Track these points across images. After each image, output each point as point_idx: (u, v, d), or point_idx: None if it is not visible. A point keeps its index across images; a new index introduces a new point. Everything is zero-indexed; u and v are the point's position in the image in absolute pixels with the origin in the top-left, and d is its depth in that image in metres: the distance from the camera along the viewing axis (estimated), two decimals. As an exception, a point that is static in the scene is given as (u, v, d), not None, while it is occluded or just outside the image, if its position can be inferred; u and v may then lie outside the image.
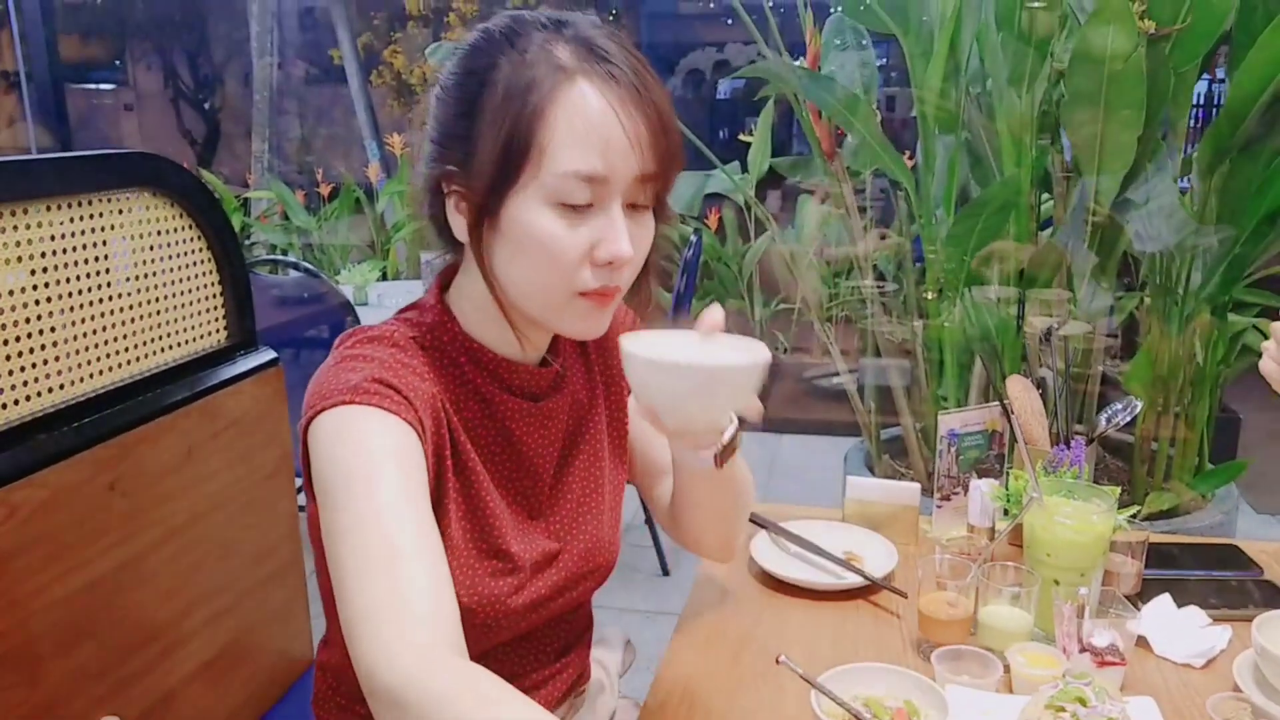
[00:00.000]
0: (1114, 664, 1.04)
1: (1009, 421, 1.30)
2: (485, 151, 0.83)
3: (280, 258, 4.80)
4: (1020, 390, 1.37)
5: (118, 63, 7.42)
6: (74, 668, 1.11)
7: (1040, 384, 1.48)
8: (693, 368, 0.80)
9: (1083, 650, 1.04)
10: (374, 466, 0.79)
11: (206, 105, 7.44)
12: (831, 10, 2.57)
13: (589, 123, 0.81)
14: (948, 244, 2.17)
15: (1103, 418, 1.33)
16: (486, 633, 0.94)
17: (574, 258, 0.84)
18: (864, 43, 2.45)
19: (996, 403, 1.40)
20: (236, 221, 5.07)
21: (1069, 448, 1.26)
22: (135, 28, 7.21)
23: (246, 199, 5.89)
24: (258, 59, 6.23)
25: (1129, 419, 1.32)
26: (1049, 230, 2.34)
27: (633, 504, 3.22)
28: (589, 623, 1.15)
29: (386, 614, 0.73)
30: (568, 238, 0.84)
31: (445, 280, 0.96)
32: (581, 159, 0.81)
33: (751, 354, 0.82)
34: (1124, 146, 1.99)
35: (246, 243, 5.15)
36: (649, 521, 3.10)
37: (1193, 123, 2.48)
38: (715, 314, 0.87)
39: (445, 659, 0.72)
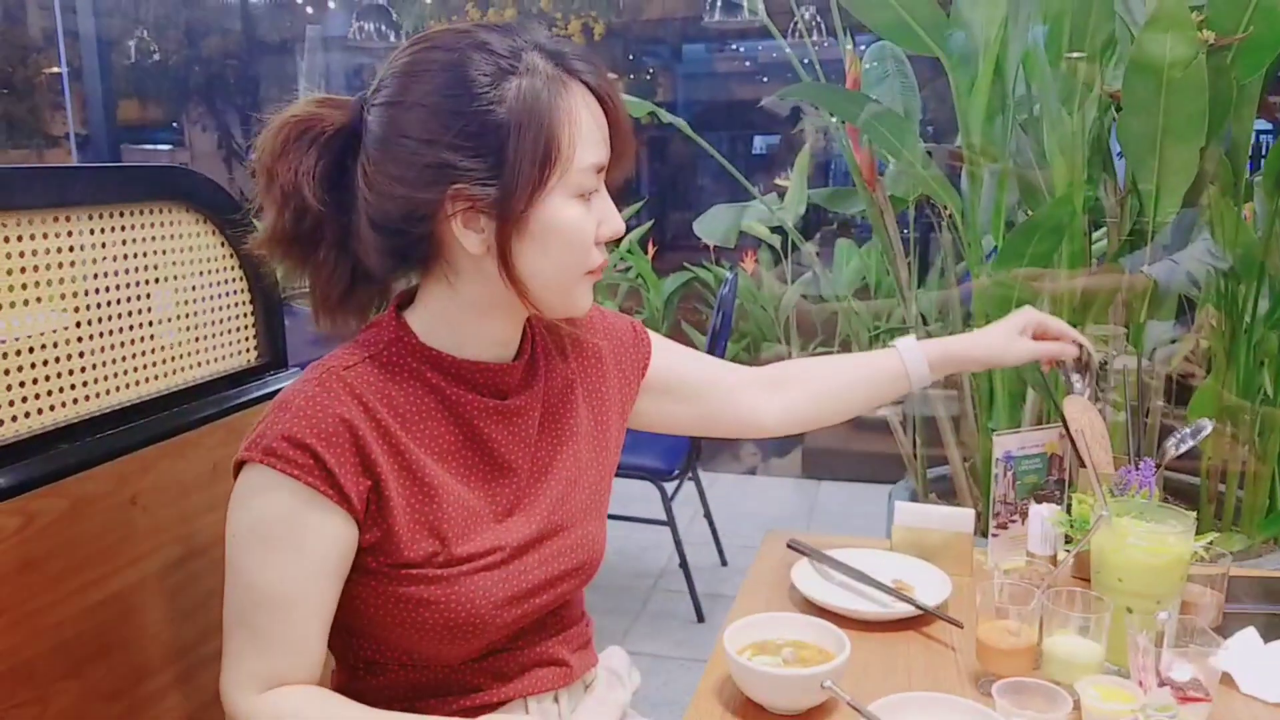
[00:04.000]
0: (1198, 700, 0.95)
1: (1070, 441, 1.23)
2: (521, 163, 0.89)
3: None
4: (1078, 412, 1.29)
5: (175, 124, 7.63)
6: (87, 688, 1.06)
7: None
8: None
9: (1161, 684, 0.96)
10: (254, 534, 0.92)
11: (257, 163, 7.62)
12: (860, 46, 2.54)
13: (591, 119, 0.93)
14: (997, 265, 2.10)
15: (1170, 442, 1.24)
16: (476, 632, 0.97)
17: (591, 239, 0.95)
18: (905, 69, 2.41)
19: (1056, 424, 1.32)
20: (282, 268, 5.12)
21: (1137, 469, 1.18)
22: (191, 91, 7.42)
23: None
24: (306, 117, 6.33)
25: (1197, 441, 1.24)
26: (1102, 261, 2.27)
27: (667, 550, 3.15)
28: (583, 619, 1.15)
29: (240, 659, 0.93)
30: (587, 222, 0.94)
31: (400, 302, 1.02)
32: (594, 152, 0.93)
33: None
34: (1184, 161, 1.90)
35: (293, 287, 5.19)
36: (684, 565, 3.02)
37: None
38: None
39: (277, 693, 0.92)
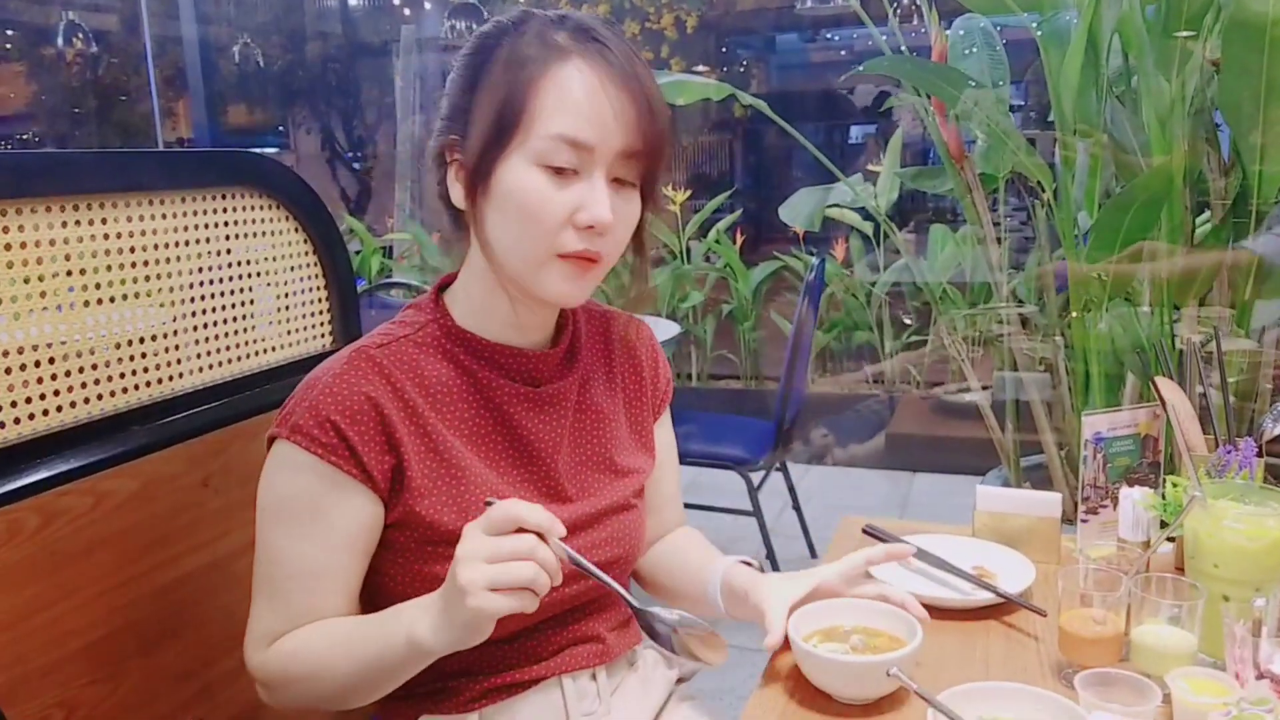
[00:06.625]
0: (1301, 695, 0.88)
1: (1168, 417, 1.15)
2: (481, 119, 0.90)
3: (400, 280, 4.92)
4: (1170, 392, 1.21)
5: (281, 128, 7.88)
6: (158, 667, 1.08)
7: (1202, 403, 1.31)
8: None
9: (1260, 677, 0.89)
10: (280, 509, 0.94)
11: (358, 165, 7.81)
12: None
13: (578, 94, 0.89)
14: (1092, 241, 1.98)
15: (1268, 419, 1.15)
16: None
17: (557, 218, 0.90)
18: (994, 41, 2.31)
19: (1150, 404, 1.24)
20: (376, 263, 5.25)
21: (1236, 449, 1.10)
22: (295, 94, 7.66)
23: (390, 246, 6.08)
24: (401, 116, 6.48)
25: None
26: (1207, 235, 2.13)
27: (755, 541, 3.10)
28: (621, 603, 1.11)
29: (261, 622, 0.96)
30: (552, 198, 0.90)
31: (444, 283, 1.04)
32: (566, 124, 0.89)
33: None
34: (1290, 125, 1.77)
35: (385, 281, 5.31)
36: (770, 556, 3.00)
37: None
38: None
39: (283, 638, 0.94)
